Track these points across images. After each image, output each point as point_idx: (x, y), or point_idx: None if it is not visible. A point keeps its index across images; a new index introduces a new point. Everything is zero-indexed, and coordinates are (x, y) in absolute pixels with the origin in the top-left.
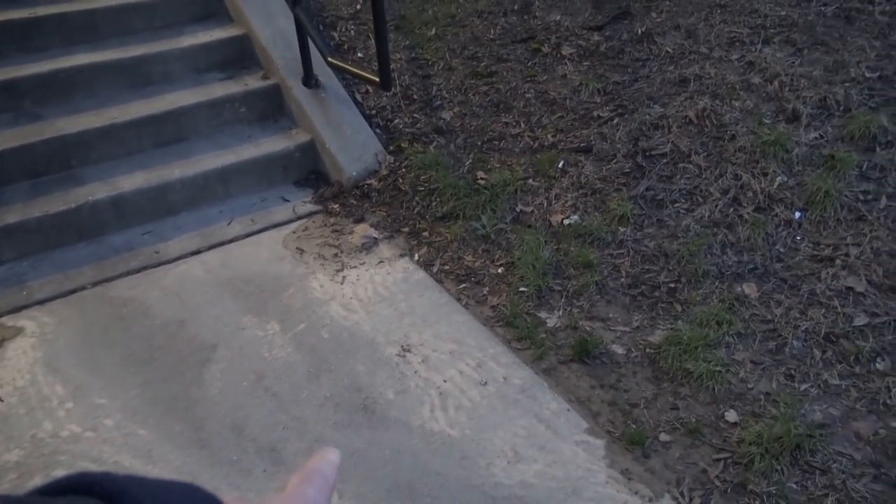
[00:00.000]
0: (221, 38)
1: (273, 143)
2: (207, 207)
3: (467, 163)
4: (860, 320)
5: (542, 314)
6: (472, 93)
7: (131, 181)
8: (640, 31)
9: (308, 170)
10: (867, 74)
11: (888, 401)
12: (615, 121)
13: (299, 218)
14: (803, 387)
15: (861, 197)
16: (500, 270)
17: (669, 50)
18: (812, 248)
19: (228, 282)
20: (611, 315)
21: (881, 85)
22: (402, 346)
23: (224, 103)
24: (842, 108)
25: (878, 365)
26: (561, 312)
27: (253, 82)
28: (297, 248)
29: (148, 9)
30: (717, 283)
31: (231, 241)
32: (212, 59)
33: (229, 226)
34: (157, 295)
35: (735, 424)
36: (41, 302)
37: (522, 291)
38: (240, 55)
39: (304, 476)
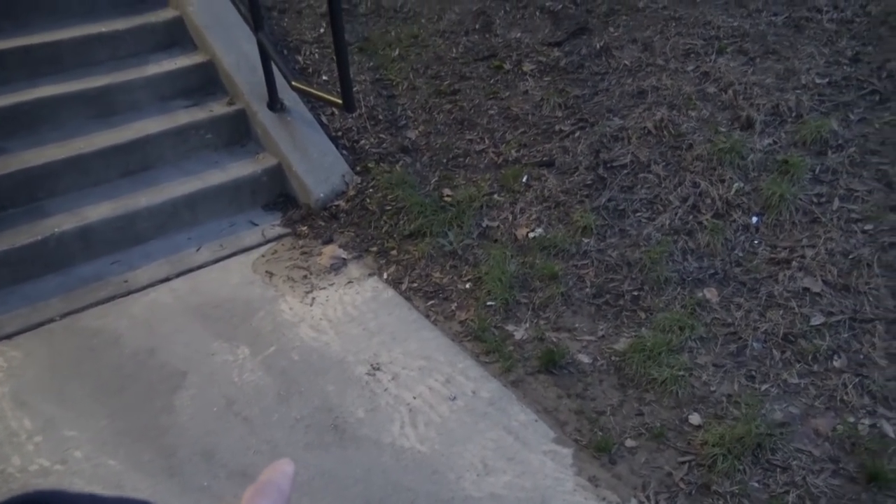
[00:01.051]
0: (186, 65)
1: (240, 168)
2: (176, 234)
3: (433, 181)
4: (817, 320)
5: (510, 327)
6: (436, 111)
7: (98, 211)
8: (598, 46)
9: (276, 193)
10: (817, 81)
11: (845, 397)
12: (576, 134)
13: (268, 241)
14: (764, 387)
15: (815, 200)
16: (467, 286)
17: (627, 63)
18: (769, 252)
19: (198, 308)
20: (576, 325)
21: (830, 90)
22: (371, 365)
23: (190, 130)
24: (794, 114)
25: (834, 362)
26: (528, 325)
27: (218, 108)
28: (267, 271)
29: (112, 39)
30: (678, 290)
31: (200, 267)
32: (177, 87)
33: (198, 252)
34: (127, 324)
35: (699, 427)
36: (9, 336)
37: (490, 305)
38: (205, 82)
39: (258, 489)
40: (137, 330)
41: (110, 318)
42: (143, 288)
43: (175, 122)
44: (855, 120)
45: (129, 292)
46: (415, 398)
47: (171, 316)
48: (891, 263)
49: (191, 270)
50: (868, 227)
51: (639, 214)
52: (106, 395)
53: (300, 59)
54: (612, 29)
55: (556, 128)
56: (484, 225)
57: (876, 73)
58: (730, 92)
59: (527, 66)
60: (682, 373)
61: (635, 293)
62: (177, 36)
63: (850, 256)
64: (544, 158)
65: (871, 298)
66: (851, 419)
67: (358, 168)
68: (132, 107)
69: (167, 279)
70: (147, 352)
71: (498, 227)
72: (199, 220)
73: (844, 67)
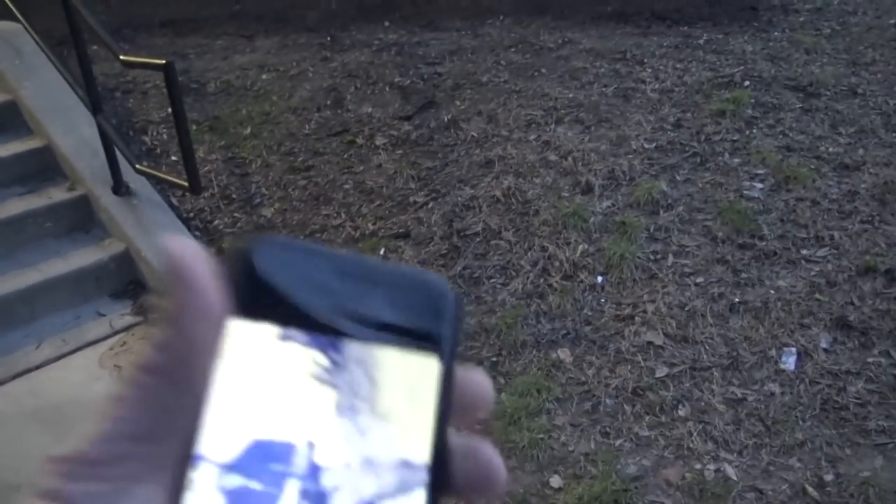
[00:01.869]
0: (19, 151)
1: (84, 256)
2: (11, 332)
3: None
4: (661, 371)
5: None
6: (291, 188)
7: None
8: (446, 119)
9: (125, 280)
10: (646, 146)
11: (691, 444)
12: (430, 205)
13: (117, 332)
14: (618, 442)
15: (651, 257)
16: None
17: (474, 134)
18: (615, 309)
19: (36, 413)
20: None
21: (658, 154)
22: None
23: (26, 219)
24: (628, 177)
25: (679, 412)
26: None
27: (58, 194)
28: (115, 365)
29: None
30: (534, 352)
31: (40, 366)
32: (10, 174)
33: (37, 350)
34: None
35: (559, 489)
36: None
37: None
38: (42, 167)
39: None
40: None
41: None
42: None
43: (8, 212)
44: (681, 180)
45: None
46: None
47: (3, 425)
48: (721, 313)
49: (28, 371)
50: (699, 279)
51: (493, 280)
52: None
53: (147, 139)
54: (458, 102)
55: (411, 199)
56: None
57: (696, 137)
58: (570, 159)
59: (379, 140)
60: (541, 435)
61: (494, 359)
62: (9, 121)
63: (686, 308)
64: (400, 230)
65: (706, 347)
66: (698, 466)
67: (212, 249)
68: None
69: (1, 383)
70: None
71: None
72: (39, 315)
73: (668, 133)
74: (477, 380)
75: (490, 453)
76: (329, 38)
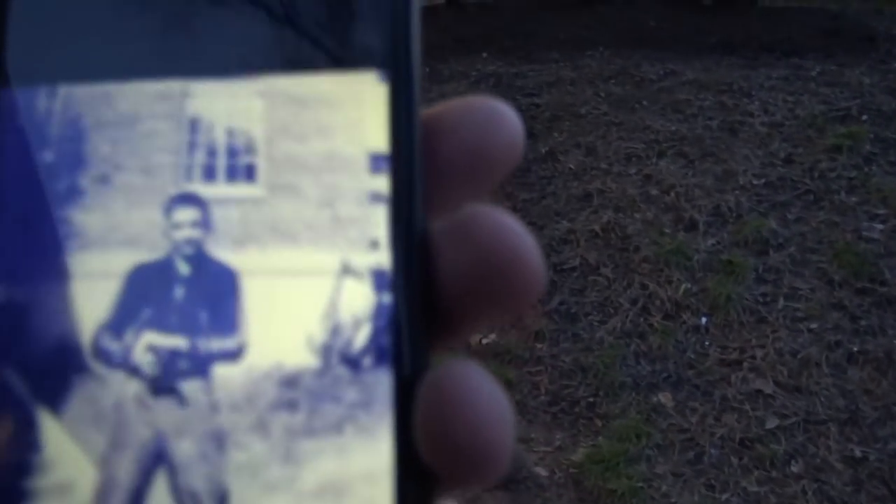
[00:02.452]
0: None
1: None
2: None
3: None
4: (771, 423)
5: None
6: None
7: None
8: (543, 151)
9: None
10: (754, 182)
11: None
12: None
13: None
14: (724, 496)
15: (760, 299)
16: None
17: (572, 167)
18: (720, 353)
19: None
20: (532, 435)
21: (767, 191)
22: None
23: None
24: (734, 214)
25: (792, 468)
26: None
27: None
28: None
29: None
30: (633, 395)
31: None
32: None
33: None
34: None
35: None
36: None
37: None
38: None
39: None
40: None
41: None
42: None
43: None
44: (793, 219)
45: None
46: None
47: None
48: (837, 362)
49: None
50: (813, 325)
51: (590, 317)
52: None
53: None
54: (556, 134)
55: None
56: None
57: (808, 174)
58: (672, 194)
59: None
60: (640, 484)
61: (591, 399)
62: None
63: (799, 356)
64: None
65: (822, 399)
66: None
67: None
68: None
69: None
70: None
71: None
72: None
73: (779, 168)
74: (493, 111)
75: (501, 224)
76: (427, 70)
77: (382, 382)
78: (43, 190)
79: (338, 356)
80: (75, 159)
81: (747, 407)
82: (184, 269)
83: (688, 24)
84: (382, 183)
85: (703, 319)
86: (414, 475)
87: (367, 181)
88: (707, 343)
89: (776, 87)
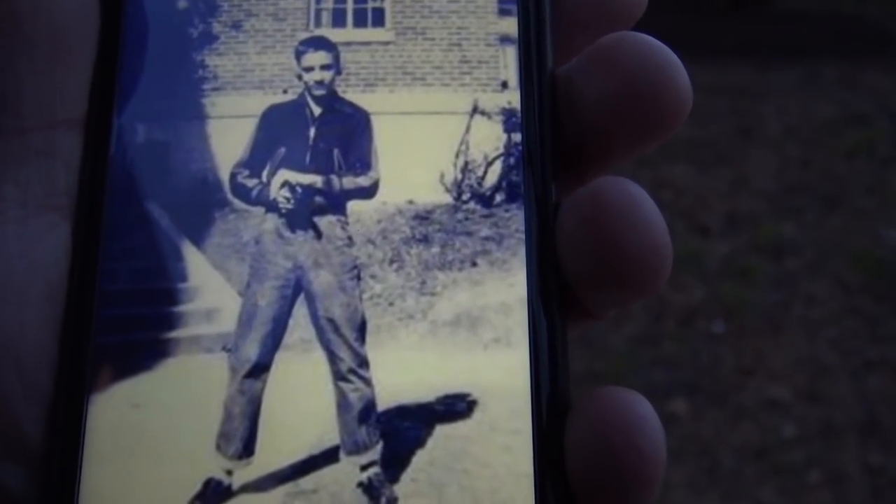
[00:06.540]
0: None
1: None
2: None
3: None
4: (788, 431)
5: None
6: None
7: None
8: None
9: None
10: (769, 187)
11: None
12: None
13: None
14: None
15: (776, 306)
16: None
17: None
18: (735, 360)
19: None
20: None
21: (782, 196)
22: None
23: None
24: (749, 219)
25: (810, 477)
26: None
27: None
28: None
29: None
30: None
31: None
32: None
33: None
34: None
35: None
36: None
37: None
38: None
39: None
40: None
41: None
42: None
43: None
44: (809, 224)
45: None
46: None
47: None
48: (856, 370)
49: None
50: (831, 332)
51: (603, 324)
52: None
53: None
54: None
55: None
56: None
57: (825, 178)
58: (686, 199)
59: None
60: None
61: None
62: None
63: (816, 363)
64: None
65: (840, 407)
66: None
67: None
68: None
69: None
70: None
71: None
72: None
73: (794, 173)
74: None
75: (644, 43)
76: None
77: (515, 218)
78: (179, 35)
79: (469, 192)
80: (208, 5)
81: (764, 415)
82: (316, 109)
83: (702, 28)
84: (511, 25)
85: (718, 326)
86: (550, 303)
87: (496, 23)
88: (722, 350)
89: (791, 91)
